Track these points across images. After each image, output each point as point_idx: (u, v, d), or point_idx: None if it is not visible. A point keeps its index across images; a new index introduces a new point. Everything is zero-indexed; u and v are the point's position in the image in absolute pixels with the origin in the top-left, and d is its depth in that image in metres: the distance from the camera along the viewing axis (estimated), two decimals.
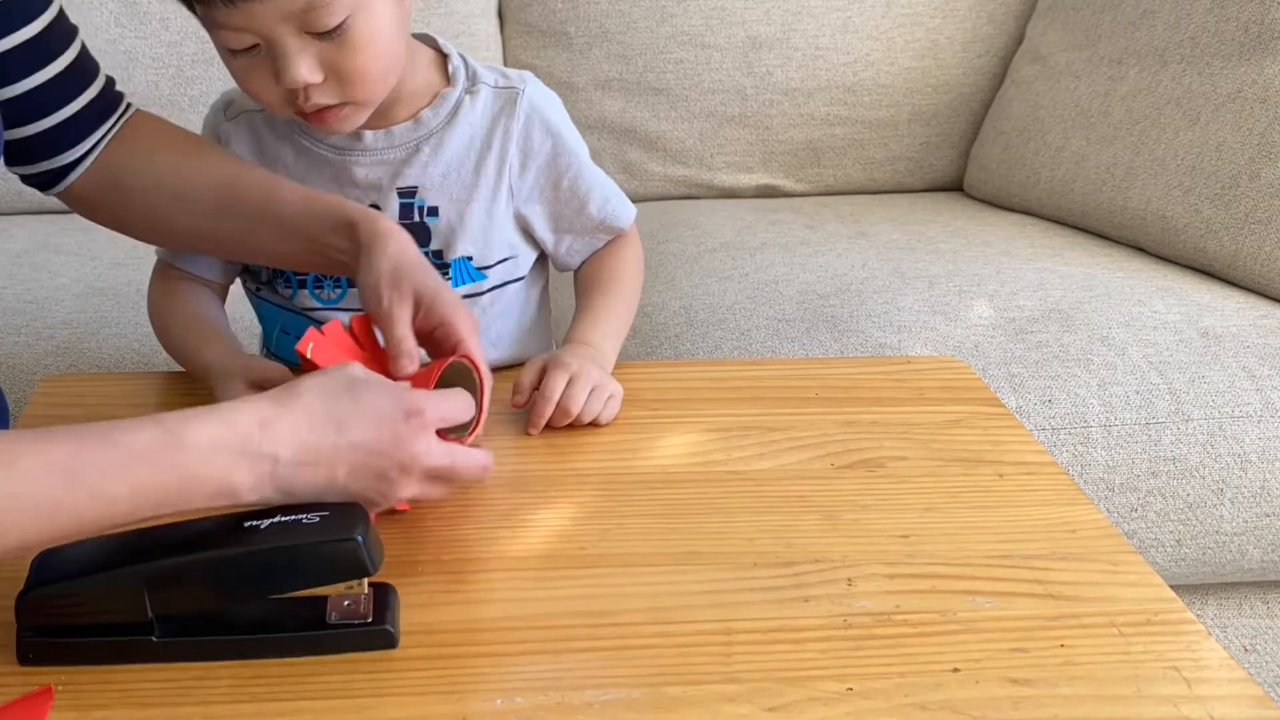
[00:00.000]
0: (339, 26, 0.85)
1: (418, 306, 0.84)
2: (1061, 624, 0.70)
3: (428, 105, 1.00)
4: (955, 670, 0.66)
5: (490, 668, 0.67)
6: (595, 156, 1.95)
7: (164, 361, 1.08)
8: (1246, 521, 1.35)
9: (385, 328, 0.83)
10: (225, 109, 1.05)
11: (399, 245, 0.85)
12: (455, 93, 1.01)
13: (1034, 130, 1.84)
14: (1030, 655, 0.68)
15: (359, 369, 0.74)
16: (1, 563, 0.64)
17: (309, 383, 0.71)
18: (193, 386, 0.95)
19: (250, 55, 0.87)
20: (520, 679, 0.65)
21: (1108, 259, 1.63)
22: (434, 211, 1.00)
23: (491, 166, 1.01)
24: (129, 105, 1.00)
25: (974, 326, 1.41)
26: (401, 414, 0.71)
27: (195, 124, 1.84)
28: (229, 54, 0.89)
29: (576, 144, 1.05)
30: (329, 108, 0.90)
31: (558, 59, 1.96)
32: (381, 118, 0.98)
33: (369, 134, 0.99)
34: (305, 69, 0.86)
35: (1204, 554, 1.37)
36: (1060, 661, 0.67)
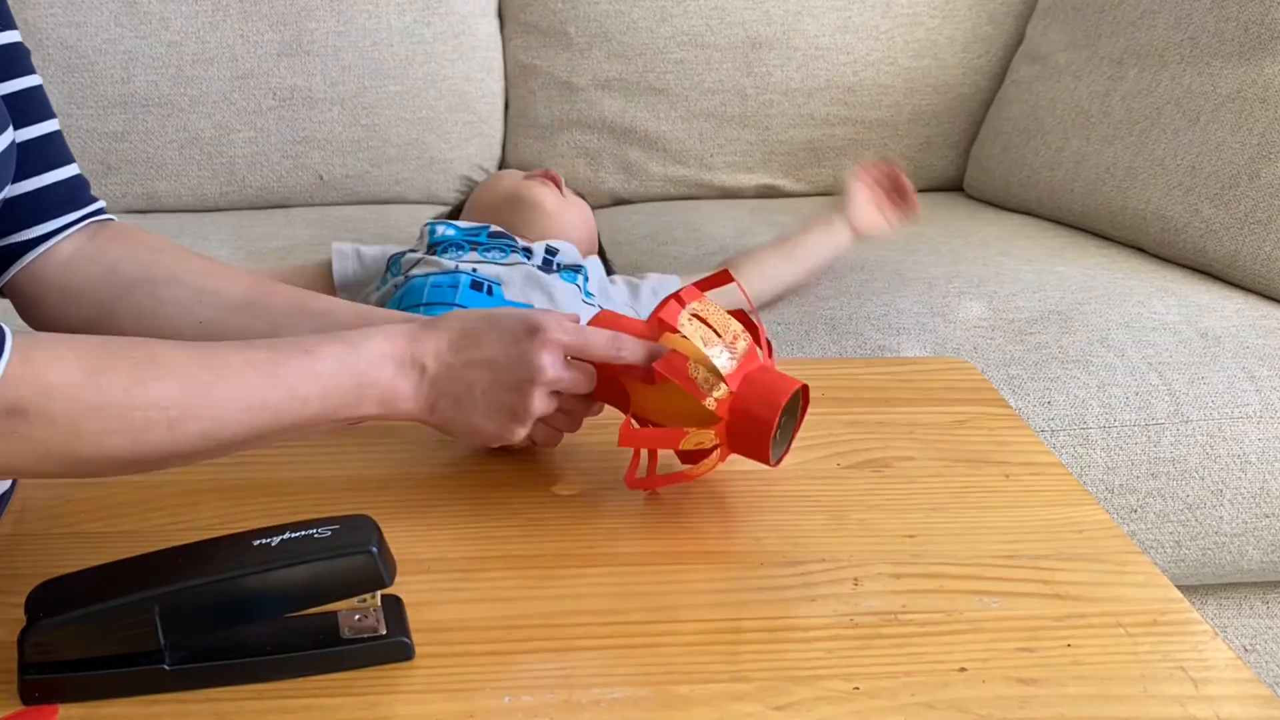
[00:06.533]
0: None
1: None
2: (1068, 624, 0.71)
3: None
4: (962, 670, 0.66)
5: (497, 665, 0.66)
6: (595, 156, 1.98)
7: None
8: (1246, 522, 1.35)
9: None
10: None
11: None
12: None
13: (1034, 130, 1.84)
14: (1037, 655, 0.68)
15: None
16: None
17: (455, 311, 0.81)
18: None
19: None
20: (527, 677, 0.65)
21: (1107, 259, 1.63)
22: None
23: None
24: (103, 209, 0.95)
25: (973, 328, 1.41)
26: (523, 332, 0.78)
27: (196, 123, 1.87)
28: None
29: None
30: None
31: (558, 59, 1.96)
32: None
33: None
34: None
35: (1204, 555, 1.37)
36: (1067, 661, 0.67)
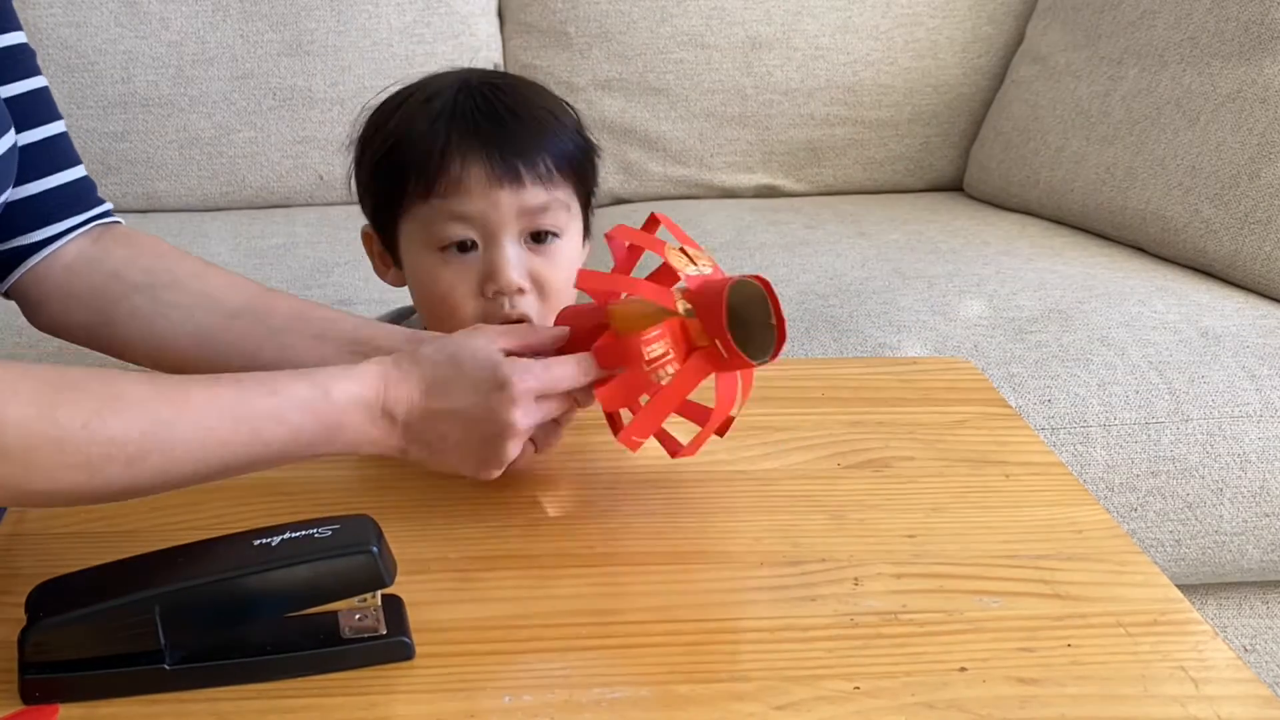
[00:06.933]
0: (553, 235, 0.93)
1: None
2: (1068, 624, 0.70)
3: None
4: (962, 669, 0.66)
5: (498, 665, 0.67)
6: None
7: None
8: (1246, 521, 1.35)
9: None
10: None
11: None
12: None
13: (1034, 130, 1.84)
14: (1037, 655, 0.68)
15: (474, 338, 0.78)
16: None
17: (425, 350, 0.77)
18: None
19: (460, 257, 0.91)
20: (528, 677, 0.65)
21: (1108, 259, 1.63)
22: None
23: None
24: (111, 211, 0.96)
25: (973, 326, 1.41)
26: (492, 385, 0.75)
27: (196, 123, 1.87)
28: (433, 255, 0.92)
29: None
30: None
31: (558, 59, 1.96)
32: None
33: None
34: (518, 273, 0.91)
35: (1203, 554, 1.37)
36: (1067, 661, 0.67)
